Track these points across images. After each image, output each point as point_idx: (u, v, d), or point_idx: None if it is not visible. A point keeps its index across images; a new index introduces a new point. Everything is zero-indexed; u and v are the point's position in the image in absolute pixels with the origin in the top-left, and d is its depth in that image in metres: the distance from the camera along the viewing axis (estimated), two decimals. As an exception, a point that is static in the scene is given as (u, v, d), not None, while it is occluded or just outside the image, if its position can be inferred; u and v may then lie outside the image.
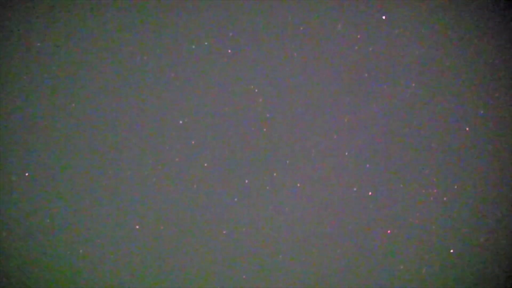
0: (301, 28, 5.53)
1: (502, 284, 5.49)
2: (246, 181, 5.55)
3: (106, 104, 5.53)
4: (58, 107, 5.51)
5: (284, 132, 5.57)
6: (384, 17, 5.52)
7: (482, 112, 5.54)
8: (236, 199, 5.55)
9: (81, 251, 5.47)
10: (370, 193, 5.56)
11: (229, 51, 5.55)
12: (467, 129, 5.54)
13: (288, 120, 5.57)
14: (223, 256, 5.50)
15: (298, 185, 5.56)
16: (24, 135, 5.47)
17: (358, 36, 5.53)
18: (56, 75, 5.51)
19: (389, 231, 5.53)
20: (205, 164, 5.56)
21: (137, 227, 5.51)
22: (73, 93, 5.52)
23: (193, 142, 5.57)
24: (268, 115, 5.57)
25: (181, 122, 5.56)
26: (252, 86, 5.56)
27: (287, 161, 5.56)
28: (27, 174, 5.46)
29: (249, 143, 5.57)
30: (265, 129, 5.58)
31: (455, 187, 5.54)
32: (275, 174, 5.56)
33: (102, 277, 5.47)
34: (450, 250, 5.51)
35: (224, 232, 5.53)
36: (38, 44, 5.43)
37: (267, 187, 5.55)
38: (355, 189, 5.56)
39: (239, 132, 5.57)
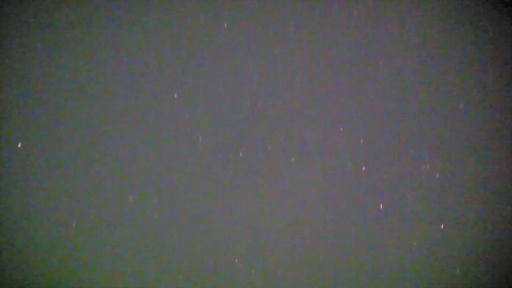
0: (299, 7, 5.54)
1: (494, 260, 5.56)
2: (241, 154, 5.57)
3: (100, 73, 5.52)
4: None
5: (279, 107, 5.59)
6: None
7: (476, 89, 5.58)
8: (230, 173, 5.57)
9: (74, 224, 5.48)
10: (363, 168, 5.60)
11: (225, 25, 5.55)
12: (461, 106, 5.59)
13: (283, 96, 5.59)
14: (216, 228, 5.52)
15: (292, 159, 5.59)
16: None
17: (355, 13, 5.54)
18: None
19: (381, 206, 5.58)
20: (200, 138, 5.57)
21: (131, 198, 5.52)
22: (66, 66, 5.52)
23: (187, 116, 5.57)
24: (263, 90, 5.58)
25: (175, 95, 5.56)
26: (248, 60, 5.56)
27: (282, 136, 5.59)
28: (20, 144, 5.45)
29: (244, 117, 5.58)
30: (260, 104, 5.59)
31: (447, 164, 5.59)
32: (269, 148, 5.58)
33: (94, 248, 5.48)
34: (441, 225, 5.57)
35: (218, 204, 5.55)
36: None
37: (261, 161, 5.57)
38: (348, 164, 5.60)
39: (234, 106, 5.58)
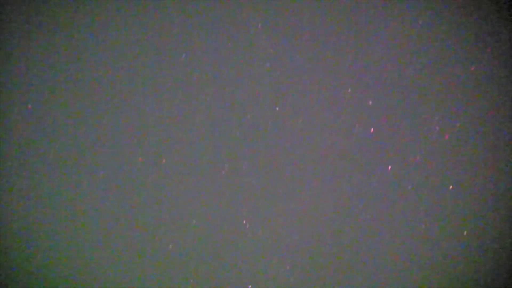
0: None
1: (503, 221, 5.55)
2: (248, 116, 5.57)
3: (108, 32, 5.51)
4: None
5: (287, 68, 5.55)
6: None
7: (488, 51, 5.49)
8: (238, 134, 5.57)
9: (84, 184, 5.54)
10: (372, 130, 5.57)
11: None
12: (472, 68, 5.50)
13: (291, 56, 5.54)
14: (224, 188, 5.56)
15: (300, 121, 5.57)
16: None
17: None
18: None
19: (389, 168, 5.57)
20: (208, 99, 5.57)
21: (140, 159, 5.56)
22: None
23: (195, 77, 5.56)
24: (271, 50, 5.54)
25: (183, 56, 5.54)
26: (256, 20, 5.51)
27: (289, 97, 5.56)
28: (29, 105, 5.50)
29: (252, 78, 5.56)
30: (268, 65, 5.55)
31: (457, 125, 5.54)
32: (277, 109, 5.57)
33: (104, 207, 5.56)
34: (450, 186, 5.55)
35: (226, 165, 5.58)
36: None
37: (269, 122, 5.57)
38: (357, 125, 5.57)
39: (242, 67, 5.55)
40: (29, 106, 5.54)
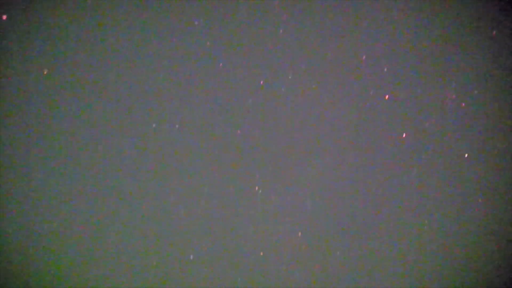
0: None
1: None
2: (261, 82, 5.54)
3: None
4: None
5: (302, 33, 5.49)
6: None
7: (510, 15, 5.37)
8: (250, 101, 5.56)
9: (100, 149, 5.59)
10: (386, 97, 5.51)
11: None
12: (494, 33, 5.38)
13: (306, 22, 5.48)
14: (236, 153, 5.58)
15: (314, 88, 5.53)
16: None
17: None
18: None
19: (404, 135, 5.52)
20: (221, 65, 5.54)
21: (154, 125, 5.59)
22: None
23: (208, 43, 5.53)
24: (285, 17, 5.48)
25: (196, 23, 5.51)
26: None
27: (303, 63, 5.52)
28: (45, 71, 5.52)
29: (266, 44, 5.52)
30: (281, 31, 5.50)
31: (475, 93, 5.45)
32: (290, 77, 5.53)
33: (117, 169, 5.62)
34: (465, 154, 5.50)
35: (239, 131, 5.58)
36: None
37: (282, 88, 5.54)
38: (371, 92, 5.51)
39: (256, 33, 5.51)
40: (45, 72, 5.57)
